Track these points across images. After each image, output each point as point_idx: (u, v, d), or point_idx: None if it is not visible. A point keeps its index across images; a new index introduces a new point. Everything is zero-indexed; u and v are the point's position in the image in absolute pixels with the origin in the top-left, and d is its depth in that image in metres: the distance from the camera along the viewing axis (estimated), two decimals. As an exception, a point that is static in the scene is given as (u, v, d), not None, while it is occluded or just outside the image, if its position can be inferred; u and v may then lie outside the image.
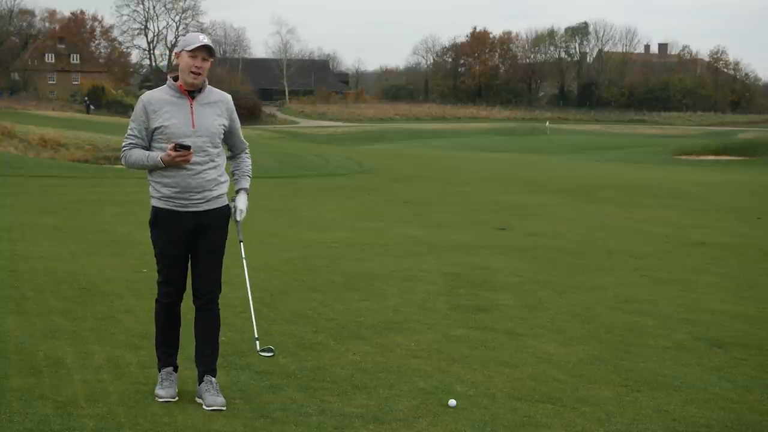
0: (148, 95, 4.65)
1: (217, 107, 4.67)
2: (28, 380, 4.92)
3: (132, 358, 5.47)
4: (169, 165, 4.50)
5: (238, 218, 4.80)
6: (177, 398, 4.70)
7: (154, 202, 4.63)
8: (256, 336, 5.11)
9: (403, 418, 4.58)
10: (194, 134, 4.54)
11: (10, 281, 7.90)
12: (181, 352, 4.95)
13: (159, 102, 4.57)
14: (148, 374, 5.04)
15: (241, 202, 4.82)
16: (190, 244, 4.65)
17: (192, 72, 4.53)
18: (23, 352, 5.50)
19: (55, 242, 10.57)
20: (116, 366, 5.29)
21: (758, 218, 16.44)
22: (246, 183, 4.89)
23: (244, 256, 5.04)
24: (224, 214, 4.74)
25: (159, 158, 4.50)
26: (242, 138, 4.90)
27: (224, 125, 4.70)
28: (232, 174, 4.89)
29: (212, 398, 4.60)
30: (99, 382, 4.96)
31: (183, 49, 4.56)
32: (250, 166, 4.94)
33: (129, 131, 4.62)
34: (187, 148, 4.48)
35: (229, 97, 4.79)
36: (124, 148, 4.64)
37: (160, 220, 4.61)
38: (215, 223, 4.68)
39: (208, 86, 4.68)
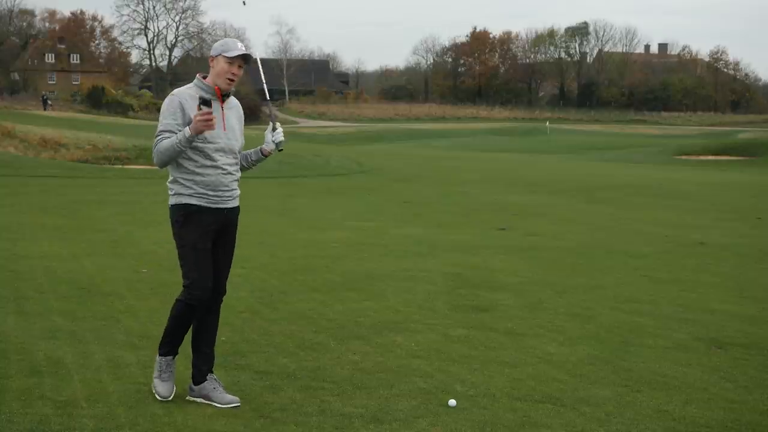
0: (180, 91, 4.65)
1: (237, 112, 4.82)
2: (28, 380, 4.92)
3: (132, 358, 5.47)
4: (197, 132, 4.47)
5: (281, 136, 4.88)
6: (174, 393, 4.71)
7: (185, 199, 4.63)
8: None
9: (403, 418, 4.57)
10: (225, 136, 4.66)
11: (10, 281, 7.90)
12: (180, 352, 4.94)
13: (192, 99, 4.60)
14: (148, 374, 5.04)
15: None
16: (214, 242, 4.72)
17: (228, 78, 4.62)
18: (23, 352, 5.50)
19: (55, 242, 10.57)
20: (116, 366, 5.30)
21: (758, 218, 16.44)
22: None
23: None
24: (238, 213, 4.85)
25: (189, 133, 4.46)
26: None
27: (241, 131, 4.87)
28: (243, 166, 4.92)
29: (225, 396, 4.67)
30: (99, 382, 4.96)
31: (221, 54, 4.60)
32: None
33: (160, 127, 4.57)
34: (208, 104, 4.50)
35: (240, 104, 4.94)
36: (156, 145, 4.57)
37: (193, 215, 4.63)
38: (235, 221, 4.83)
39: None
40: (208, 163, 4.60)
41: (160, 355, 4.80)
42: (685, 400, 5.06)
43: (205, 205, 4.63)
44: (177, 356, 4.85)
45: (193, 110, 4.54)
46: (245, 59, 4.65)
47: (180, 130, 4.54)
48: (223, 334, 6.07)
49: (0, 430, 4.16)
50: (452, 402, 4.80)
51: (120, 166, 28.38)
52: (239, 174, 4.83)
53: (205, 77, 4.68)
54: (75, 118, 55.13)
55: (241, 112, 4.88)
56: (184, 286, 4.68)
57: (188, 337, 4.85)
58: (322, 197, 19.03)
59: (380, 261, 9.92)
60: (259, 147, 4.93)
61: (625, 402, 4.98)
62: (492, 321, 6.95)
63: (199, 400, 4.69)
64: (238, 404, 4.64)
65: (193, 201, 4.62)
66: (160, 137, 4.57)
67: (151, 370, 4.98)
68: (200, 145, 4.56)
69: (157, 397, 4.69)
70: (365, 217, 15.09)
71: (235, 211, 4.81)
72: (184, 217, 4.64)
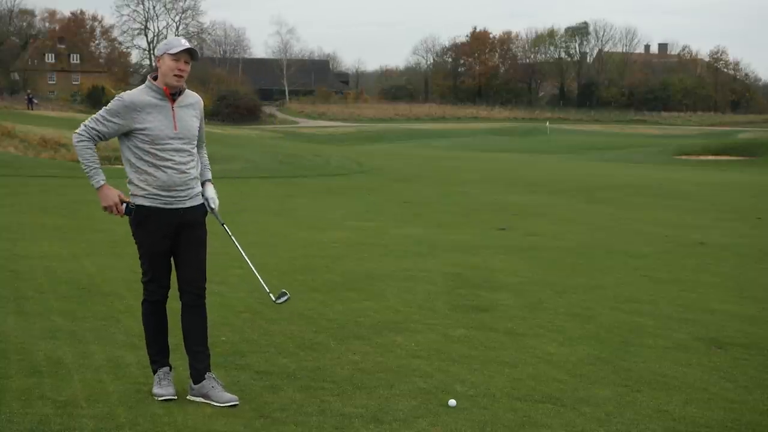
0: (130, 96, 4.62)
1: (193, 109, 4.77)
2: (28, 380, 4.92)
3: (132, 358, 5.47)
4: (99, 196, 4.61)
5: (213, 206, 4.91)
6: (176, 396, 4.71)
7: (139, 201, 4.66)
8: (267, 290, 5.16)
9: (403, 418, 4.57)
10: (176, 136, 4.63)
11: (10, 281, 7.90)
12: (176, 352, 4.94)
13: (142, 103, 4.59)
14: (148, 374, 5.03)
15: (211, 191, 4.93)
16: (173, 241, 4.72)
17: (176, 75, 4.59)
18: (23, 352, 5.50)
19: (55, 242, 10.57)
20: (116, 366, 5.30)
21: (758, 218, 16.44)
22: (209, 174, 5.00)
23: (231, 233, 5.10)
24: (204, 210, 4.85)
25: (100, 185, 4.59)
26: (203, 136, 4.98)
27: (198, 126, 4.82)
28: None
29: (224, 395, 4.66)
30: (99, 382, 4.96)
31: (165, 53, 4.58)
32: (208, 160, 5.07)
33: (98, 121, 4.57)
34: (130, 213, 4.62)
35: (201, 98, 4.90)
36: (81, 133, 4.59)
37: (147, 218, 4.66)
38: (198, 219, 4.79)
39: (186, 89, 4.75)
40: (160, 163, 4.59)
41: (153, 370, 4.82)
42: (685, 400, 5.06)
43: (159, 206, 4.63)
44: (173, 370, 4.85)
45: (143, 112, 4.53)
46: (191, 54, 4.62)
47: (105, 131, 4.56)
48: (223, 334, 6.08)
49: (0, 430, 4.16)
50: (452, 402, 4.80)
51: (120, 166, 28.33)
52: (197, 172, 4.79)
53: (155, 78, 4.65)
54: (75, 118, 55.09)
55: (201, 106, 4.84)
56: (142, 282, 4.83)
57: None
58: (322, 197, 19.03)
59: (380, 261, 9.92)
60: (205, 179, 4.91)
61: (625, 402, 4.98)
62: (492, 321, 6.95)
63: (198, 399, 4.69)
64: (237, 402, 4.63)
65: (146, 203, 4.64)
66: (90, 129, 4.57)
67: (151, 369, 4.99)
68: (148, 147, 4.57)
69: (158, 399, 4.68)
70: (365, 217, 15.09)
71: (197, 209, 4.77)
72: (139, 219, 4.68)
